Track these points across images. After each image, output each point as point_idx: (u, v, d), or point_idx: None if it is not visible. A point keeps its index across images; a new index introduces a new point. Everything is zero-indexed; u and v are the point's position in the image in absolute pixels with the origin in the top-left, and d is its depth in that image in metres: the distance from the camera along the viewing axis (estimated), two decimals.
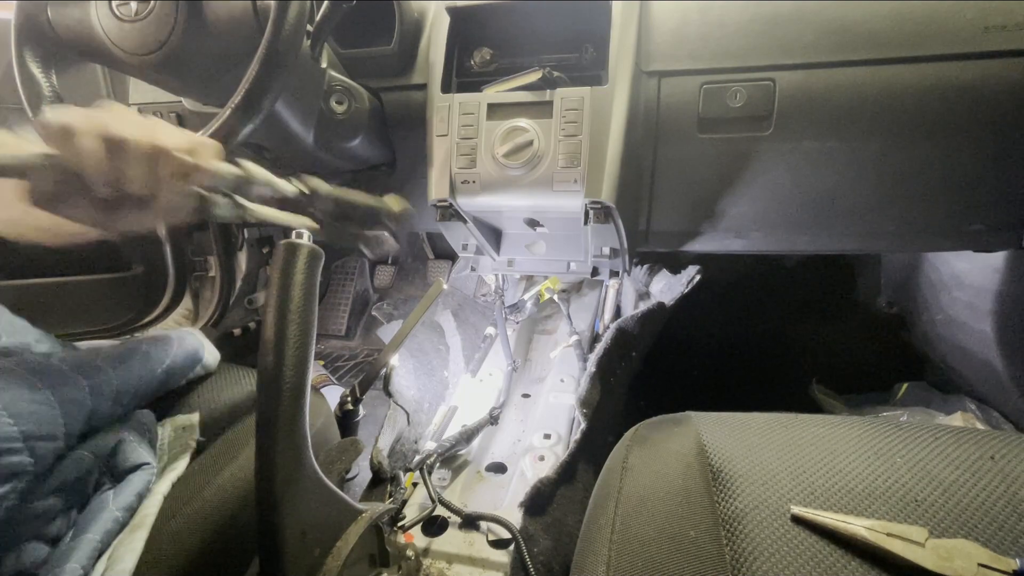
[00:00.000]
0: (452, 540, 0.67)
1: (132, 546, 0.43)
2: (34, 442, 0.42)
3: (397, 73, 0.76)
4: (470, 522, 0.68)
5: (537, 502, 0.68)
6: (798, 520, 0.38)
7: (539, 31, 0.74)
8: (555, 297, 1.12)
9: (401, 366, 1.00)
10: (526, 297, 1.13)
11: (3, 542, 0.41)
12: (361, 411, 0.74)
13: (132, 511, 0.46)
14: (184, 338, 0.60)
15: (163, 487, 0.49)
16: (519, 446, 0.87)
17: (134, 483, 0.47)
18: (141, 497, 0.47)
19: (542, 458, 0.82)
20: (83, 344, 0.60)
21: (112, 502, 0.45)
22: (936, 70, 0.62)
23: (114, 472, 0.48)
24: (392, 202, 0.53)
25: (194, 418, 0.57)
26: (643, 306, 0.91)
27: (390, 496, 0.69)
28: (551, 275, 1.07)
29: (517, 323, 1.19)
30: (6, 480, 0.40)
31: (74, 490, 0.46)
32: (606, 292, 1.14)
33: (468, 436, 0.83)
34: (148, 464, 0.49)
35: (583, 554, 0.45)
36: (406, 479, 0.73)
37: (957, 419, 0.94)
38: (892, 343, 1.18)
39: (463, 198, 0.73)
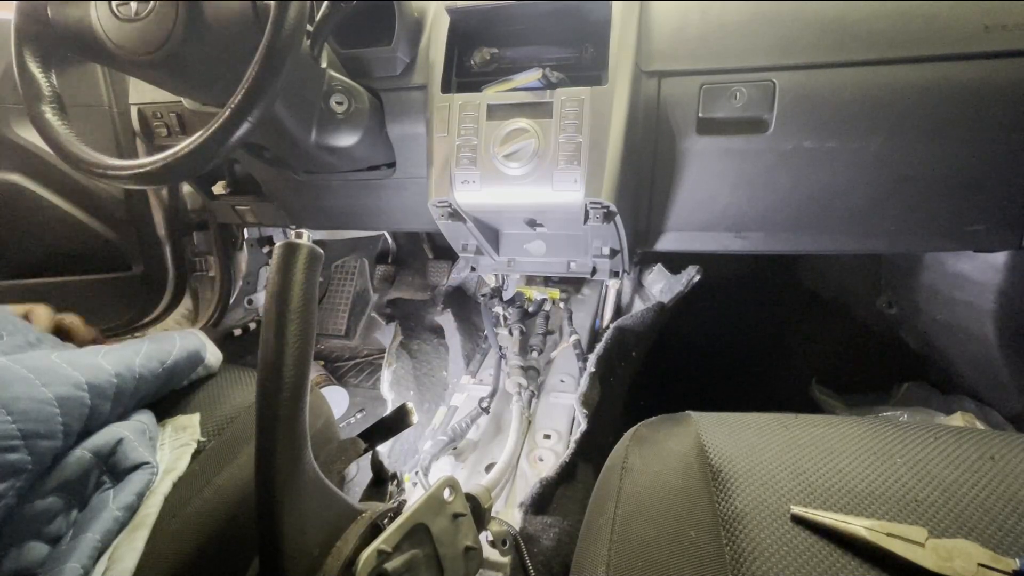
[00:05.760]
0: None
1: (132, 546, 0.43)
2: (33, 440, 0.42)
3: (397, 73, 0.76)
4: None
5: (537, 502, 0.68)
6: (798, 520, 0.38)
7: (539, 31, 0.74)
8: (561, 304, 1.11)
9: (400, 367, 1.00)
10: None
11: (3, 541, 0.41)
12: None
13: (132, 511, 0.46)
14: (186, 338, 0.60)
15: (163, 487, 0.49)
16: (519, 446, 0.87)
17: (134, 483, 0.47)
18: (141, 497, 0.47)
19: (542, 458, 0.82)
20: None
21: (112, 501, 0.45)
22: (937, 70, 0.62)
23: (114, 472, 0.48)
24: None
25: (195, 418, 0.57)
26: (641, 305, 0.91)
27: (391, 496, 0.69)
28: (551, 275, 1.06)
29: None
30: (5, 478, 0.40)
31: (74, 489, 0.46)
32: (606, 292, 1.14)
33: (463, 430, 0.83)
34: (148, 464, 0.49)
35: (583, 554, 0.45)
36: (406, 479, 0.73)
37: (957, 419, 0.94)
38: (892, 343, 1.17)
39: (463, 198, 0.73)
